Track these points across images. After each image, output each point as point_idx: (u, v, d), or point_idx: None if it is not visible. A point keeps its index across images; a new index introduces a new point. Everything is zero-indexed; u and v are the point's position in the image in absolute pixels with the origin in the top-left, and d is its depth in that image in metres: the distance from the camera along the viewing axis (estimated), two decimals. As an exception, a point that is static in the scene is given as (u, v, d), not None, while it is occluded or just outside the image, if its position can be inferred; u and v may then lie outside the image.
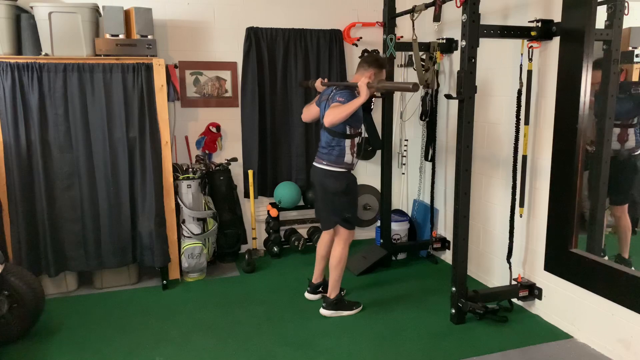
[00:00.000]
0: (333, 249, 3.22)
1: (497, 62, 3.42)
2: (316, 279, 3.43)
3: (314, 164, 3.20)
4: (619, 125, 2.84)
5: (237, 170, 4.34)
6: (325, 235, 3.35)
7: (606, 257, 2.84)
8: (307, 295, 3.46)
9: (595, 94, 2.74)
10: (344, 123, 2.99)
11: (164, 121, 3.59)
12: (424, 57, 3.87)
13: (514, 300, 3.25)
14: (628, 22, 2.71)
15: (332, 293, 3.21)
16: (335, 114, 2.86)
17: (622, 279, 2.52)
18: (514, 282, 3.24)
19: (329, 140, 3.08)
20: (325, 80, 3.40)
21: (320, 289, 3.43)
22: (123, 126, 3.47)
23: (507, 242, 3.26)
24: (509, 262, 3.27)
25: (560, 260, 2.92)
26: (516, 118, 3.11)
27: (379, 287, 3.70)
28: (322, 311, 3.22)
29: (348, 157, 3.07)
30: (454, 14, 3.75)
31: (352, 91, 3.01)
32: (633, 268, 2.67)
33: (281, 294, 3.56)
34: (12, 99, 3.25)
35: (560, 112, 2.84)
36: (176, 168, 3.84)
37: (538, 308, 3.19)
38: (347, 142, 3.06)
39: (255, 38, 4.17)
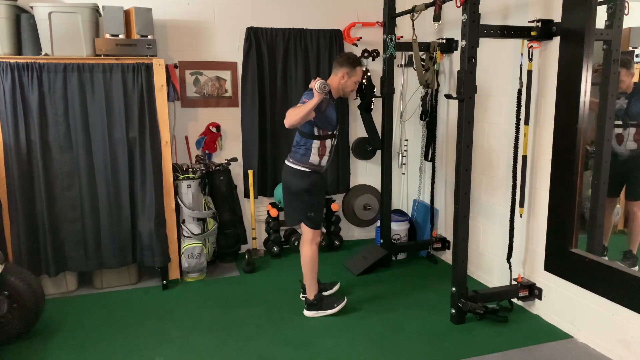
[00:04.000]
0: (301, 249, 3.22)
1: (497, 62, 3.42)
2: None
3: (285, 161, 3.20)
4: (635, 125, 2.86)
5: (237, 170, 4.34)
6: None
7: (606, 257, 2.84)
8: (302, 296, 3.45)
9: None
10: (311, 124, 2.99)
11: (164, 121, 3.59)
12: (424, 57, 3.87)
13: (514, 300, 3.25)
14: (628, 22, 2.71)
15: (310, 293, 3.21)
16: (291, 116, 2.86)
17: (622, 279, 2.52)
18: (514, 282, 3.24)
19: (298, 140, 3.11)
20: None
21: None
22: (123, 126, 3.47)
23: (507, 242, 3.26)
24: (509, 262, 3.27)
25: (560, 260, 2.92)
26: (516, 118, 3.11)
27: (379, 287, 3.70)
28: (305, 312, 3.23)
29: (313, 158, 3.06)
30: (454, 14, 3.75)
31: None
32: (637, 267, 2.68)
33: (281, 294, 3.56)
34: (12, 99, 3.25)
35: (560, 112, 2.84)
36: (176, 168, 3.84)
37: (538, 308, 3.19)
38: (315, 142, 3.05)
39: (255, 38, 4.17)
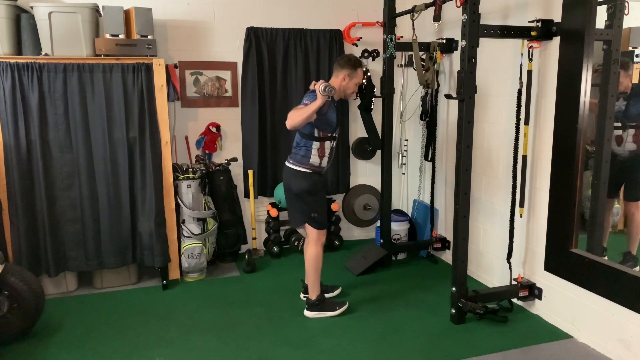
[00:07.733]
0: (305, 250, 3.23)
1: (497, 62, 3.42)
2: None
3: (285, 162, 3.21)
4: (634, 127, 2.87)
5: (237, 170, 4.34)
6: None
7: (606, 257, 2.85)
8: (302, 296, 3.46)
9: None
10: (312, 125, 3.00)
11: (164, 121, 3.59)
12: (424, 57, 3.87)
13: (514, 300, 3.25)
14: (628, 22, 2.71)
15: (312, 294, 3.22)
16: (293, 117, 2.87)
17: (622, 279, 2.52)
18: (514, 282, 3.24)
19: (299, 140, 3.12)
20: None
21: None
22: (123, 126, 3.47)
23: (507, 242, 3.26)
24: (509, 262, 3.27)
25: (560, 260, 2.92)
26: (516, 118, 3.11)
27: (379, 287, 3.70)
28: (306, 312, 3.23)
29: (314, 159, 3.07)
30: (454, 14, 3.75)
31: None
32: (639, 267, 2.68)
33: (281, 294, 3.56)
34: (12, 99, 3.25)
35: (560, 112, 2.84)
36: (176, 168, 3.84)
37: (538, 308, 3.19)
38: (315, 144, 3.06)
39: (255, 38, 4.17)
